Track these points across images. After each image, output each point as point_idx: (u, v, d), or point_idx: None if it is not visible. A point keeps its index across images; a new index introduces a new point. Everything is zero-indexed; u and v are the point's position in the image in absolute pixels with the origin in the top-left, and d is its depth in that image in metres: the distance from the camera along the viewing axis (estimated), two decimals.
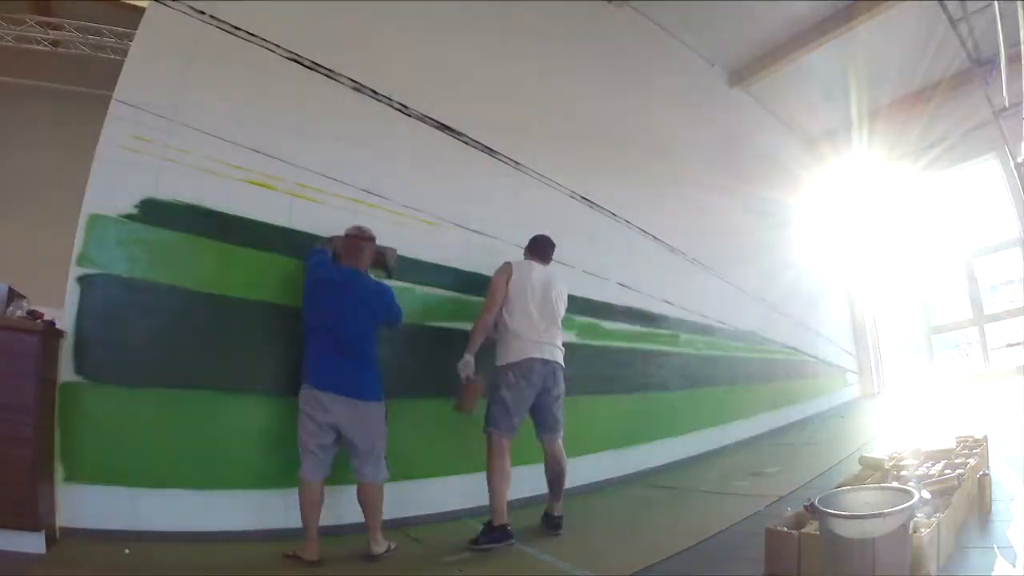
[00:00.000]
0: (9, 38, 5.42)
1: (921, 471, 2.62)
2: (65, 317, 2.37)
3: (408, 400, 3.15)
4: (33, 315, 2.26)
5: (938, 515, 1.93)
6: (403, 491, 3.01)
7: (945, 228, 8.33)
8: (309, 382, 2.51)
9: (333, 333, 2.56)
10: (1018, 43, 4.69)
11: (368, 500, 2.54)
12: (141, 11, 2.94)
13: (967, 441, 3.06)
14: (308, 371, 2.54)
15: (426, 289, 3.35)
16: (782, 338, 6.73)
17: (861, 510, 1.72)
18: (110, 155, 2.58)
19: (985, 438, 3.07)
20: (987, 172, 7.63)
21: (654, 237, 5.01)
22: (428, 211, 3.45)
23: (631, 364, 4.44)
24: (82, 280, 2.43)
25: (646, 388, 4.52)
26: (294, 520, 2.62)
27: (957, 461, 2.68)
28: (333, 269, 2.72)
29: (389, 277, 3.12)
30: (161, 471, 2.44)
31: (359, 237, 2.78)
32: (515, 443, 2.90)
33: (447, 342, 3.36)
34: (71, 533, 2.21)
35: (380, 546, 2.50)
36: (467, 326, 3.26)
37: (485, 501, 2.92)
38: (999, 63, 5.12)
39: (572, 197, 4.35)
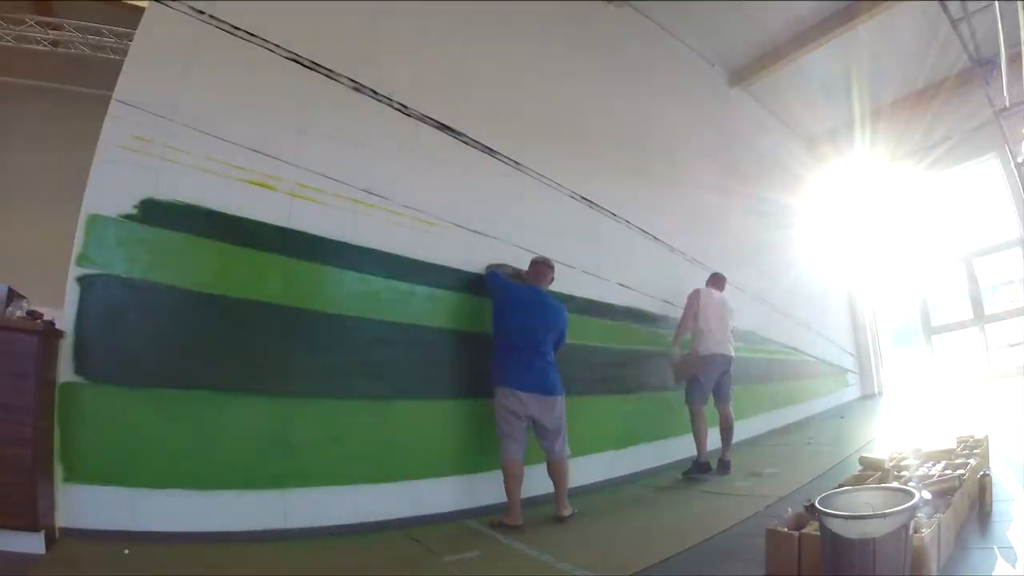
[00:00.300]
0: (9, 38, 5.42)
1: (921, 471, 2.62)
2: (65, 317, 2.37)
3: (408, 401, 3.16)
4: (33, 315, 2.26)
5: (939, 515, 1.93)
6: (403, 491, 3.01)
7: (946, 228, 8.33)
8: (508, 384, 3.08)
9: (529, 343, 3.15)
10: (1018, 43, 4.69)
11: (558, 472, 3.12)
12: (141, 11, 2.93)
13: (968, 441, 3.06)
14: (506, 375, 3.11)
15: (426, 290, 3.34)
16: (782, 338, 6.73)
17: (862, 510, 1.72)
18: (110, 155, 2.57)
19: (986, 438, 3.07)
20: (988, 172, 7.62)
21: (654, 237, 5.01)
22: (428, 211, 3.45)
23: (631, 364, 4.44)
24: (82, 280, 2.43)
25: (646, 388, 4.51)
26: (293, 520, 2.65)
27: (958, 461, 2.68)
28: (525, 289, 3.33)
29: None
30: (161, 471, 2.44)
31: (546, 265, 3.41)
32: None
33: (448, 343, 3.37)
34: (71, 533, 2.21)
35: (567, 510, 3.06)
36: (467, 326, 3.41)
37: (484, 502, 3.13)
38: (999, 63, 5.11)
39: (572, 197, 4.35)
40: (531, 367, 3.13)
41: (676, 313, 5.01)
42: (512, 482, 2.99)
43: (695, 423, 4.15)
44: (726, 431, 4.26)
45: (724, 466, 4.09)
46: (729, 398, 4.34)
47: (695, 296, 4.43)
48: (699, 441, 4.10)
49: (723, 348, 4.33)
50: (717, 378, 4.29)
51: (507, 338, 3.18)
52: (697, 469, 4.01)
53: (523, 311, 3.21)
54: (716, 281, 4.69)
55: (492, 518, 2.99)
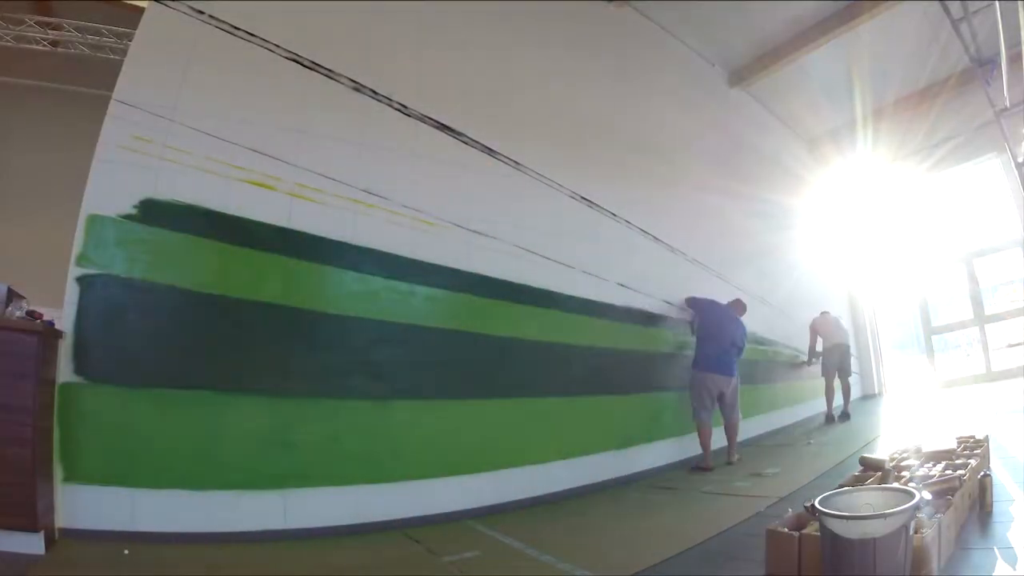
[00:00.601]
0: (8, 38, 5.42)
1: (922, 472, 2.61)
2: (64, 317, 2.37)
3: (408, 401, 3.16)
4: (32, 315, 2.26)
5: (939, 516, 1.92)
6: (403, 491, 3.01)
7: (946, 228, 8.32)
8: (707, 369, 4.53)
9: (724, 340, 4.66)
10: (1019, 43, 4.68)
11: (733, 430, 4.58)
12: (141, 11, 2.94)
13: (968, 442, 3.05)
14: (705, 362, 4.56)
15: (426, 290, 3.34)
16: (783, 338, 6.72)
17: (862, 511, 1.71)
18: (109, 155, 2.58)
19: (986, 439, 3.07)
20: (988, 172, 7.61)
21: (654, 237, 5.00)
22: (428, 211, 3.44)
23: (631, 364, 4.44)
24: (81, 280, 2.43)
25: (646, 388, 4.51)
26: (293, 521, 2.66)
27: (958, 462, 2.67)
28: (719, 306, 4.94)
29: None
30: (160, 471, 2.44)
31: (742, 302, 5.10)
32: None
33: (448, 343, 3.37)
34: (70, 533, 2.21)
35: (735, 456, 4.46)
36: (467, 326, 3.44)
37: (485, 502, 3.13)
38: (1000, 63, 5.10)
39: (572, 197, 4.34)
40: (724, 358, 4.60)
41: (676, 313, 5.03)
42: (706, 438, 4.35)
43: (826, 389, 6.39)
44: (846, 393, 6.39)
45: (845, 416, 6.21)
46: (849, 373, 6.45)
47: (813, 325, 6.75)
48: (828, 400, 6.38)
49: (840, 339, 6.55)
50: (839, 359, 6.40)
51: (711, 336, 4.66)
52: (827, 419, 6.24)
53: (718, 321, 4.76)
54: (825, 313, 6.88)
55: (691, 466, 4.31)
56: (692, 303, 4.97)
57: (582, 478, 3.75)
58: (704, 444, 4.34)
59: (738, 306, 5.08)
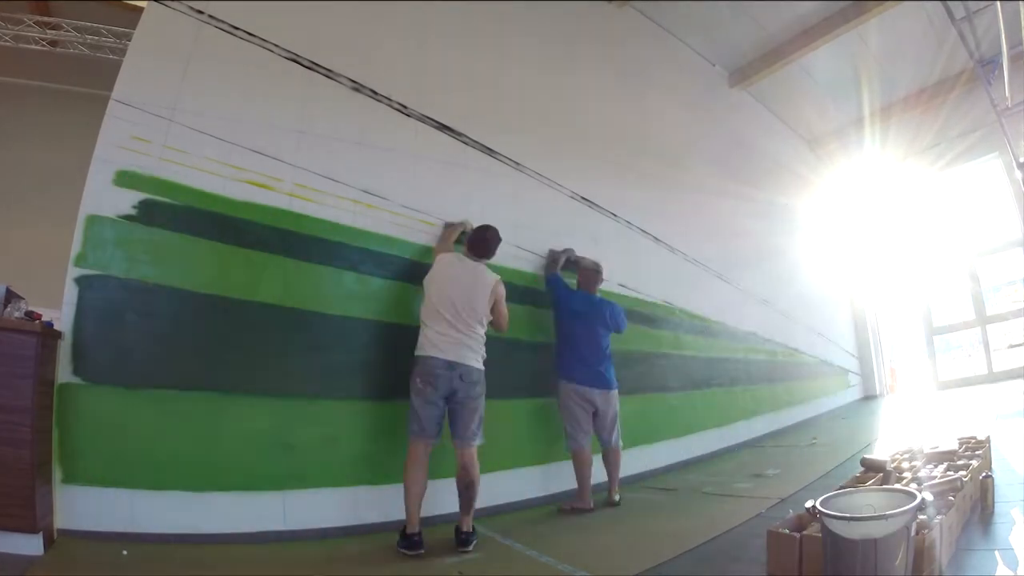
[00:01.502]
0: (7, 38, 5.43)
1: (923, 473, 2.61)
2: (63, 318, 2.36)
3: (407, 401, 3.15)
4: (31, 316, 2.25)
5: (940, 517, 1.92)
6: (401, 493, 3.00)
7: (948, 229, 8.31)
8: (574, 380, 3.49)
9: (590, 344, 3.59)
10: (1020, 43, 4.68)
11: (614, 462, 3.51)
12: (140, 11, 2.93)
13: (969, 443, 3.05)
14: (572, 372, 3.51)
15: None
16: (783, 339, 6.72)
17: (863, 512, 1.71)
18: (108, 155, 2.57)
19: (988, 440, 3.06)
20: (990, 172, 7.60)
21: (655, 238, 5.00)
22: (428, 211, 3.44)
23: (632, 365, 4.43)
24: (80, 281, 2.42)
25: (647, 389, 4.51)
26: (292, 523, 2.64)
27: (959, 463, 2.67)
28: (579, 298, 3.69)
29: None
30: (159, 473, 2.43)
31: (595, 271, 3.79)
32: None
33: None
34: (69, 534, 2.20)
35: (617, 495, 3.43)
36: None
37: (484, 503, 3.04)
38: (1001, 63, 5.09)
39: (573, 198, 4.34)
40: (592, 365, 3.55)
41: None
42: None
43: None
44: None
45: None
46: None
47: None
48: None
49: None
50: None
51: (571, 341, 3.59)
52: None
53: (581, 319, 3.60)
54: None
55: (563, 506, 3.33)
56: (549, 285, 3.76)
57: None
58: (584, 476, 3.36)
59: (590, 279, 3.74)
